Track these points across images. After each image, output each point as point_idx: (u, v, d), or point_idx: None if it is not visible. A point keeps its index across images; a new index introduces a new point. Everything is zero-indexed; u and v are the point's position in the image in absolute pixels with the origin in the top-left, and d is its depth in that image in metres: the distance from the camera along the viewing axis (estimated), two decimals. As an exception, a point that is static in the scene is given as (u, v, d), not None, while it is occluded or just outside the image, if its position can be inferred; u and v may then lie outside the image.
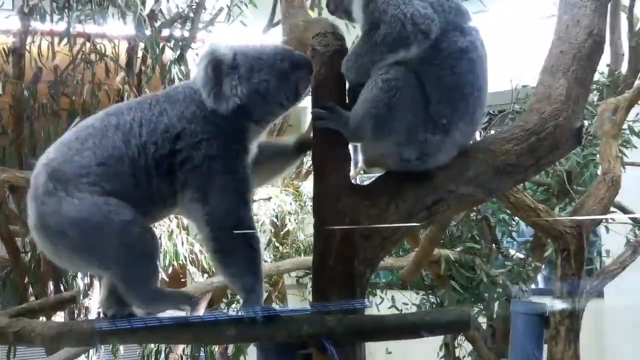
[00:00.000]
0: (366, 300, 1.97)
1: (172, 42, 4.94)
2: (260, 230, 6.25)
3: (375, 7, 1.84)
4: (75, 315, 4.01)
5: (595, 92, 4.92)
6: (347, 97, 1.97)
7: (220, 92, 1.85)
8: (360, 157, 2.04)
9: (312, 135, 2.00)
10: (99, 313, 2.04)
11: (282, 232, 6.22)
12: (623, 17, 5.32)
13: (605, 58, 5.24)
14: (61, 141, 1.90)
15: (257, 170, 2.00)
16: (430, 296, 5.33)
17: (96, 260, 1.83)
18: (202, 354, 5.19)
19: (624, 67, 5.23)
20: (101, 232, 1.74)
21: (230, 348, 5.57)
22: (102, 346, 3.80)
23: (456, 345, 5.44)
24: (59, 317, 4.16)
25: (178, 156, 1.80)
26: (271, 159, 2.09)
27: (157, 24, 4.75)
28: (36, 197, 1.81)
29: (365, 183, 2.17)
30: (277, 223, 6.17)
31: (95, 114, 1.95)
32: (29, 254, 4.27)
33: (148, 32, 4.65)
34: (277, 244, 6.33)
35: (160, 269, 1.93)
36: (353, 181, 2.04)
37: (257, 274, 1.83)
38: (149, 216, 1.88)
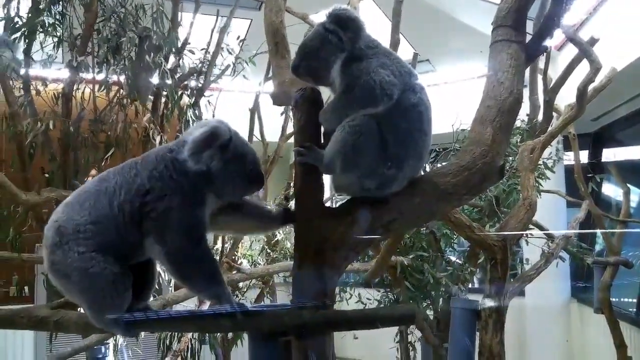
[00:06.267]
0: (335, 298, 1.94)
1: (189, 90, 4.98)
2: (255, 240, 6.23)
3: (351, 73, 1.82)
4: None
5: (517, 135, 4.99)
6: (322, 139, 1.96)
7: (199, 156, 1.78)
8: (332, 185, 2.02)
9: (294, 167, 1.99)
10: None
11: (272, 241, 6.21)
12: (540, 77, 5.41)
13: (525, 109, 5.32)
14: (67, 202, 1.87)
15: (241, 221, 1.97)
16: (389, 293, 5.34)
17: (82, 296, 1.81)
18: (207, 337, 5.12)
19: (540, 116, 5.32)
20: (93, 279, 1.75)
21: (230, 334, 5.51)
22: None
23: (409, 332, 5.43)
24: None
25: (146, 208, 1.76)
26: (256, 219, 2.00)
27: (177, 76, 4.77)
28: (47, 247, 1.81)
29: (338, 204, 2.15)
30: (269, 234, 6.17)
31: (93, 178, 1.92)
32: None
33: (169, 82, 4.67)
34: (269, 250, 6.31)
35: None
36: (329, 202, 2.02)
37: (219, 282, 1.77)
38: (130, 259, 1.85)
